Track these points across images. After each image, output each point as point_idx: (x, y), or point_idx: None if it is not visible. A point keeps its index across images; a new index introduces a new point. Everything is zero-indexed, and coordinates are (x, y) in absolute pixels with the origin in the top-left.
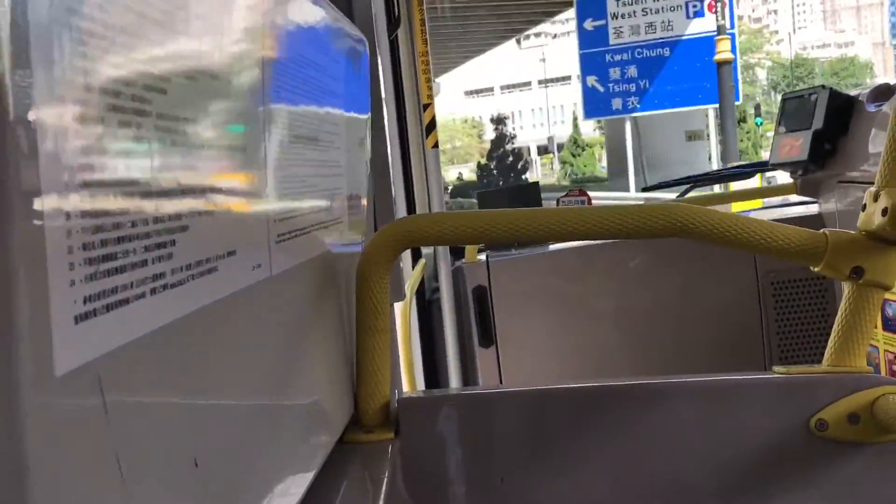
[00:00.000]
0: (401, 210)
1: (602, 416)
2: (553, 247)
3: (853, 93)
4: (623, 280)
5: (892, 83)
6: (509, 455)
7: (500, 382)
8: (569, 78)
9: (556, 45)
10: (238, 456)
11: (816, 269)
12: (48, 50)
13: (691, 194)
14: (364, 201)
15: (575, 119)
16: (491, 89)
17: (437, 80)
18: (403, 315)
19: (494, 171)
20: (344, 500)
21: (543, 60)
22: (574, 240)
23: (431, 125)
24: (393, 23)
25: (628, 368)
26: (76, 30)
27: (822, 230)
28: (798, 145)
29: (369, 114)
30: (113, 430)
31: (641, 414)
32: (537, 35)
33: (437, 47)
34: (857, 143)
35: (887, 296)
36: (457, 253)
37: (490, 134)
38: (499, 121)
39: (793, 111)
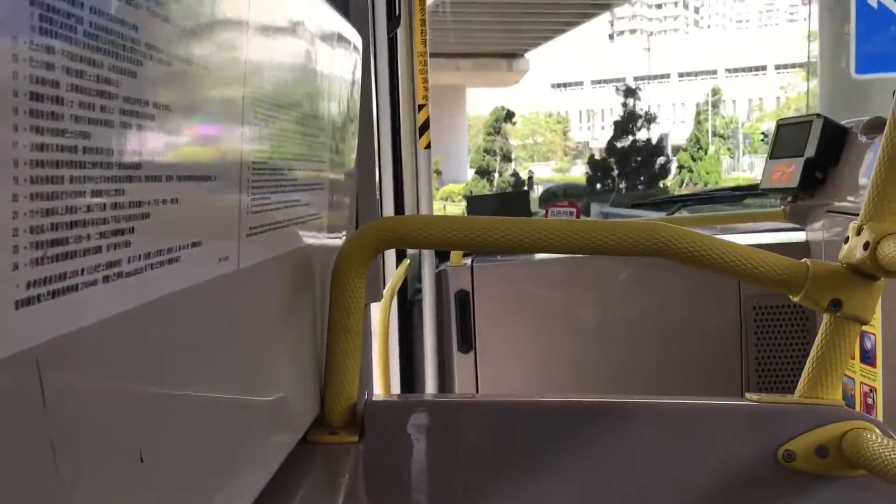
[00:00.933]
0: (388, 210)
1: (570, 432)
2: (539, 256)
3: (846, 123)
4: (607, 293)
5: (885, 117)
6: (474, 465)
7: (477, 389)
8: (668, 76)
9: (652, 42)
10: (190, 451)
11: (795, 299)
12: (8, 25)
13: (678, 214)
14: (347, 199)
15: (698, 115)
16: (580, 83)
17: (525, 55)
18: (382, 315)
19: (614, 172)
20: (302, 500)
21: (648, 49)
22: (555, 252)
23: (425, 126)
24: (393, 21)
25: (607, 383)
26: (39, 6)
27: (803, 260)
28: (789, 172)
29: (359, 111)
30: (50, 419)
31: (610, 432)
32: (632, 32)
33: (524, 18)
34: (848, 174)
35: (866, 328)
36: (442, 255)
37: (577, 131)
38: (628, 93)
39: (786, 138)
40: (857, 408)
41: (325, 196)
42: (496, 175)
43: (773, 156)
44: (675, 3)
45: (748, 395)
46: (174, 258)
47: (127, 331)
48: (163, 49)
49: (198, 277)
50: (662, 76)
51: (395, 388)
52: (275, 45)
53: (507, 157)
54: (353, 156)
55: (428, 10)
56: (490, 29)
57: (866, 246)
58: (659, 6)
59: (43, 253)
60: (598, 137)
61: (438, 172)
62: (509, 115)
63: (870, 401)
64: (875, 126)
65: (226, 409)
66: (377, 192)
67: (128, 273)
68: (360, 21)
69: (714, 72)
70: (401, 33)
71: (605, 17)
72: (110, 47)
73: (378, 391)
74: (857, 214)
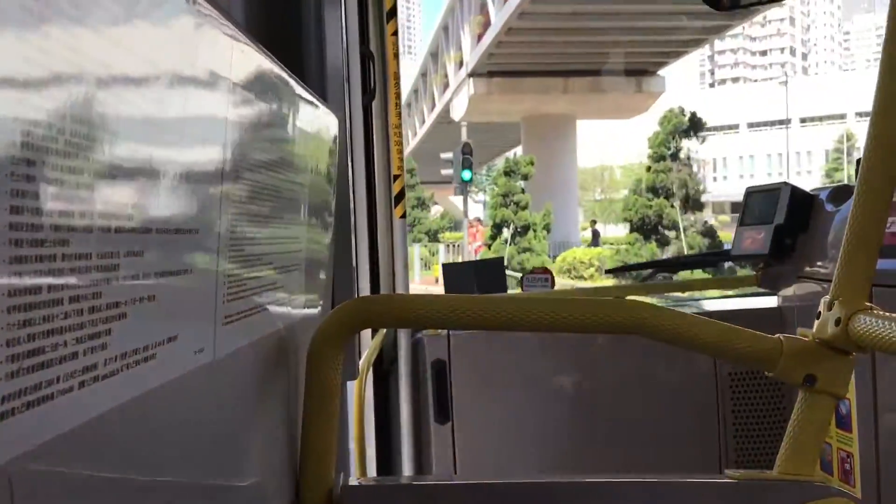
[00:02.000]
0: (363, 280)
1: None
2: None
3: (813, 191)
4: (584, 362)
5: (850, 185)
6: None
7: (454, 461)
8: (788, 121)
9: (755, 89)
10: None
11: (771, 375)
12: None
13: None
14: (323, 276)
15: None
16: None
17: (659, 72)
18: (358, 388)
19: None
20: None
21: (785, 83)
22: (532, 331)
23: (400, 196)
24: (368, 94)
25: (584, 453)
26: (11, 101)
27: (777, 335)
28: (760, 239)
29: (334, 189)
30: None
31: None
32: (735, 80)
33: (660, 23)
34: (817, 240)
35: None
36: None
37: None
38: None
39: (756, 205)
40: (835, 474)
41: (301, 276)
42: (676, 233)
43: (743, 223)
44: (781, 50)
45: (728, 473)
46: (150, 356)
47: (101, 433)
48: (139, 144)
49: (174, 372)
50: (780, 122)
51: (371, 461)
52: (253, 134)
53: (694, 202)
54: (330, 233)
55: (523, 6)
56: (609, 33)
57: (838, 322)
58: (763, 53)
59: (19, 366)
60: (711, 190)
61: (547, 229)
62: (695, 126)
63: (847, 466)
64: (840, 194)
65: (200, 499)
66: (353, 267)
67: (104, 376)
68: (337, 97)
69: (842, 116)
70: (375, 105)
71: (705, 65)
72: (88, 152)
73: (353, 470)
74: (827, 280)
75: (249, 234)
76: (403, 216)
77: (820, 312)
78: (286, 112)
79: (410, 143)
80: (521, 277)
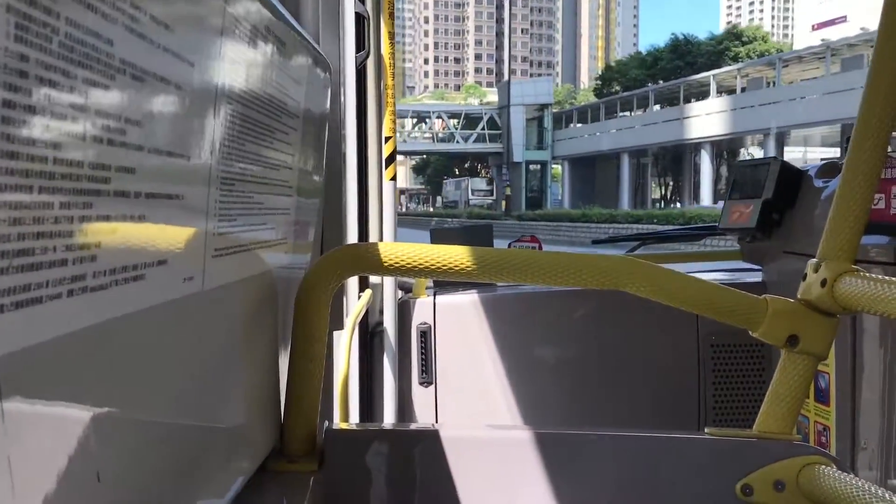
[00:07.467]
0: (351, 239)
1: (530, 464)
2: (500, 290)
3: (803, 167)
4: (567, 329)
5: (839, 161)
6: (433, 496)
7: (435, 423)
8: None
9: None
10: (147, 474)
11: (755, 334)
12: None
13: (639, 252)
14: (313, 225)
15: None
16: None
17: None
18: (346, 344)
19: None
20: None
21: None
22: (519, 282)
23: (391, 158)
24: (361, 53)
25: (565, 419)
26: (15, 13)
27: (763, 296)
28: (747, 213)
29: (326, 139)
30: (8, 433)
31: (570, 464)
32: None
33: None
34: (804, 216)
35: (820, 367)
36: (405, 287)
37: None
38: None
39: (744, 179)
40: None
41: (291, 221)
42: None
43: (731, 196)
44: None
45: (707, 430)
46: (139, 276)
47: (88, 347)
48: (137, 66)
49: (162, 296)
50: None
51: (354, 419)
52: (248, 69)
53: None
54: (321, 183)
55: None
56: None
57: (823, 283)
58: None
59: (8, 263)
60: None
61: None
62: None
63: (823, 439)
64: (829, 170)
65: (184, 433)
66: (343, 225)
67: (92, 288)
68: (331, 50)
69: None
70: (370, 65)
71: None
72: (84, 59)
73: (337, 420)
74: (812, 255)
75: (241, 169)
76: (394, 178)
77: (806, 274)
78: (282, 52)
79: None
80: (510, 244)
